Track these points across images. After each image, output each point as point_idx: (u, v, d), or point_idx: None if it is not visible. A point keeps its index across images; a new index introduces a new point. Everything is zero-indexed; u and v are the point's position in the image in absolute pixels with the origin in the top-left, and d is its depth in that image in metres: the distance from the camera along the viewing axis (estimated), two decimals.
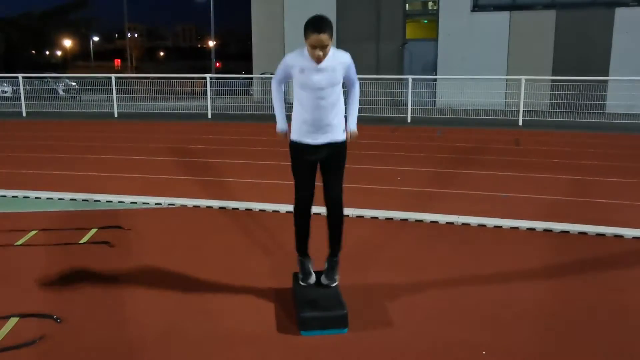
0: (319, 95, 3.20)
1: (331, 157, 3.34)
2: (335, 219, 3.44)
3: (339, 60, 3.24)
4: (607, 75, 17.19)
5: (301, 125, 3.30)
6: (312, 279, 3.46)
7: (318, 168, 3.41)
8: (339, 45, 19.85)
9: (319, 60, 3.14)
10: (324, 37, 3.06)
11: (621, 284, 3.85)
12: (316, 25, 3.07)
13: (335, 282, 3.46)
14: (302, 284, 3.45)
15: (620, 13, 17.83)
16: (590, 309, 3.44)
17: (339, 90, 3.29)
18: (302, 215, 3.42)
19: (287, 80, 3.41)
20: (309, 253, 3.57)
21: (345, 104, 3.42)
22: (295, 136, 3.35)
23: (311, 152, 3.31)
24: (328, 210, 3.43)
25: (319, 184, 3.39)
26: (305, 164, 3.34)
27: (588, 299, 3.59)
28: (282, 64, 3.30)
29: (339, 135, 3.33)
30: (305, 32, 3.11)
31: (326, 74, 3.19)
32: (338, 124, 3.32)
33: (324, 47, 3.10)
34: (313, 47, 3.09)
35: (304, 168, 3.35)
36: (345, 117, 3.42)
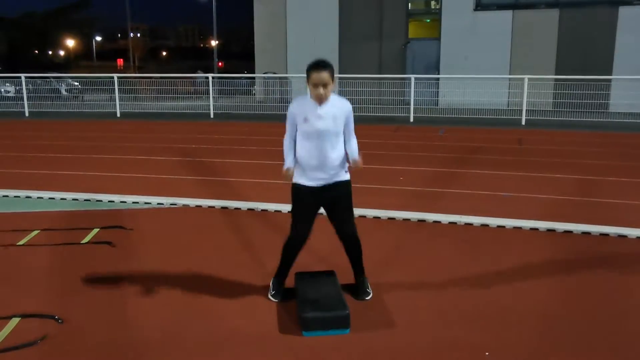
0: (322, 141, 3.30)
1: (337, 197, 3.41)
2: (355, 251, 3.53)
3: (339, 106, 3.34)
4: (611, 74, 17.12)
5: (304, 169, 3.38)
6: (281, 298, 3.52)
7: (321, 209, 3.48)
8: (341, 44, 19.88)
9: (320, 99, 3.24)
10: (324, 74, 3.19)
11: (625, 285, 3.83)
12: (317, 64, 3.23)
13: (370, 294, 3.57)
14: (271, 298, 3.53)
15: (624, 12, 17.77)
16: (594, 310, 3.42)
17: (341, 137, 3.39)
18: (292, 252, 3.47)
19: (295, 134, 3.44)
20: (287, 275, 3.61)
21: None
22: (298, 179, 3.41)
23: (314, 195, 3.38)
24: (345, 245, 3.51)
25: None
26: (306, 206, 3.40)
27: (591, 299, 3.58)
28: (289, 116, 3.38)
29: (342, 176, 3.42)
30: (307, 74, 3.24)
31: (328, 121, 3.29)
32: (340, 166, 3.41)
33: (325, 85, 3.20)
34: (315, 85, 3.21)
35: (305, 210, 3.41)
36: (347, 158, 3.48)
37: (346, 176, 3.45)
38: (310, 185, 3.38)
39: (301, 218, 3.40)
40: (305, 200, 3.39)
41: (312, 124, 3.28)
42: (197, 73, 22.84)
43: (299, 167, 3.41)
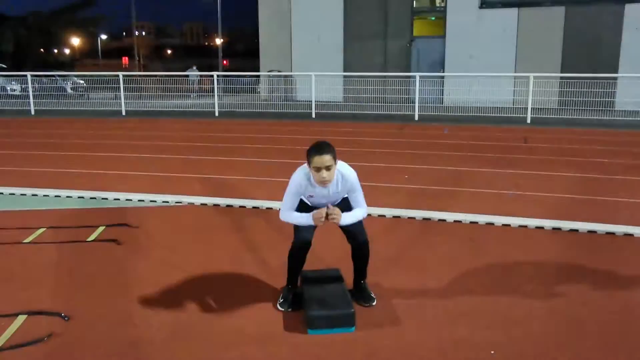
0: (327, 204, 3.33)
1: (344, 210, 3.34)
2: (363, 257, 3.48)
3: (344, 186, 3.29)
4: (617, 72, 17.03)
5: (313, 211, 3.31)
6: (289, 308, 3.40)
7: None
8: (346, 43, 19.85)
9: (324, 183, 3.18)
10: (326, 157, 3.10)
11: (631, 283, 3.81)
12: (317, 147, 3.13)
13: (374, 300, 3.48)
14: (279, 307, 3.41)
15: (630, 9, 17.66)
16: (600, 309, 3.41)
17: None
18: (297, 258, 3.41)
19: (295, 207, 3.35)
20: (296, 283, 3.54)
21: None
22: (303, 190, 3.34)
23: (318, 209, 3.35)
24: (356, 250, 3.45)
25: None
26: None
27: (597, 298, 3.56)
28: (292, 191, 3.29)
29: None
30: (308, 158, 3.16)
31: (332, 198, 3.32)
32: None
33: (327, 168, 3.13)
34: (317, 169, 3.13)
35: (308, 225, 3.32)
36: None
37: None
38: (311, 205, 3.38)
39: (305, 227, 3.34)
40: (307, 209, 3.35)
41: (317, 201, 3.31)
42: (191, 69, 22.50)
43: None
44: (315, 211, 3.24)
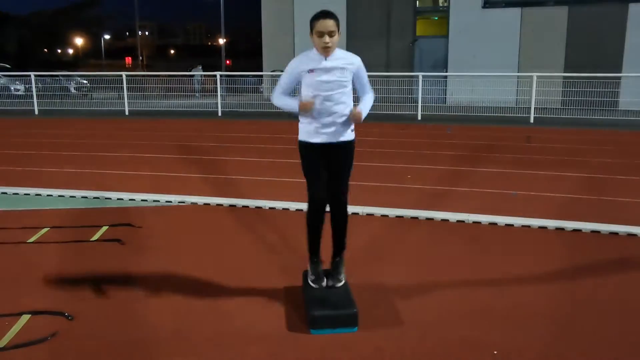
0: (328, 96, 3.18)
1: (338, 156, 3.30)
2: (340, 218, 3.39)
3: (348, 60, 3.22)
4: (620, 72, 17.01)
5: (309, 126, 3.27)
6: (324, 282, 3.39)
7: None
8: (349, 42, 19.83)
9: (326, 49, 3.10)
10: (329, 22, 3.05)
11: (635, 284, 3.81)
12: (321, 12, 3.09)
13: (340, 282, 3.41)
14: (313, 285, 3.38)
15: (634, 9, 17.62)
16: (603, 309, 3.40)
17: (349, 92, 3.27)
18: (316, 214, 3.32)
19: (291, 90, 3.31)
20: (320, 255, 3.49)
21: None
22: (303, 136, 3.33)
23: (320, 151, 3.28)
24: (332, 209, 3.38)
25: None
26: (316, 162, 3.29)
27: (601, 298, 3.56)
28: (289, 71, 3.25)
29: (347, 135, 3.30)
30: (311, 24, 3.10)
31: (335, 74, 3.17)
32: (346, 125, 3.28)
33: (330, 34, 3.06)
34: (320, 34, 3.06)
35: (316, 166, 3.29)
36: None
37: (351, 135, 3.32)
38: (314, 142, 3.26)
39: (314, 176, 3.28)
40: (313, 156, 3.28)
41: (317, 76, 3.15)
42: (196, 69, 22.43)
43: (303, 123, 3.29)
44: (303, 97, 3.16)
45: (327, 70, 3.16)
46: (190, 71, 20.83)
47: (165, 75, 18.27)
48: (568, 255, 4.35)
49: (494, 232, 4.96)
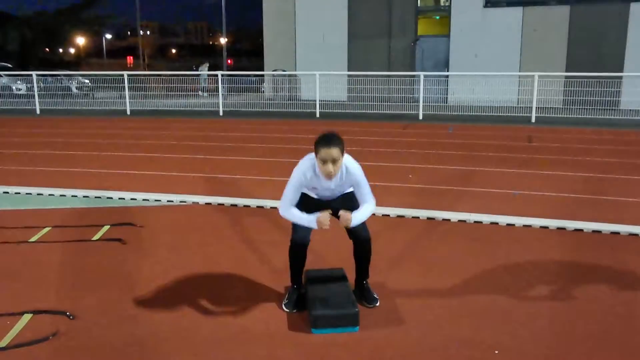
0: (330, 197, 3.37)
1: (346, 205, 3.30)
2: (366, 253, 3.45)
3: (349, 180, 3.26)
4: (622, 71, 16.98)
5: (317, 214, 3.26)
6: (293, 309, 3.37)
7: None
8: (350, 42, 19.83)
9: (329, 176, 3.14)
10: (334, 151, 3.06)
11: (636, 283, 3.80)
12: (326, 140, 3.08)
13: (377, 300, 3.45)
14: (284, 308, 3.38)
15: (635, 8, 17.59)
16: (605, 309, 3.40)
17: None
18: (297, 255, 3.38)
19: (296, 201, 3.29)
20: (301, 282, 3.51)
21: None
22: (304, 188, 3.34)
23: (322, 206, 3.33)
24: (358, 247, 3.42)
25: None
26: (310, 209, 3.30)
27: (602, 298, 3.56)
28: (294, 185, 3.24)
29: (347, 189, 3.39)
30: (316, 148, 3.11)
31: (336, 191, 3.32)
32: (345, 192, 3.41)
33: (334, 162, 3.09)
34: (324, 161, 3.08)
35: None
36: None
37: (349, 188, 3.38)
38: (314, 197, 3.38)
39: (298, 226, 3.31)
40: (308, 204, 3.33)
41: (320, 194, 3.32)
42: (203, 67, 22.38)
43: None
44: (320, 215, 3.18)
45: (329, 189, 3.28)
46: (196, 70, 20.81)
47: (167, 75, 18.28)
48: (569, 255, 4.35)
49: (496, 232, 4.96)
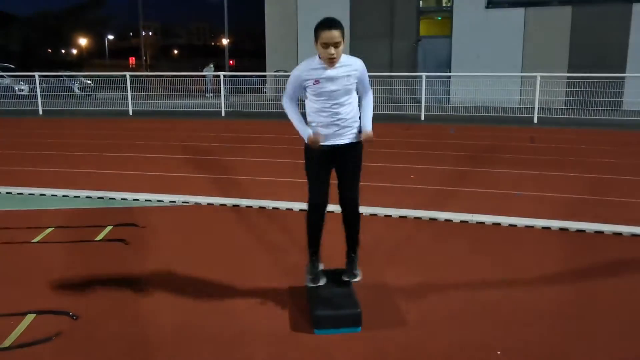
0: (334, 103, 3.19)
1: (347, 158, 3.32)
2: (352, 218, 3.42)
3: (351, 66, 3.21)
4: (624, 72, 16.96)
5: (316, 129, 3.28)
6: (322, 280, 3.41)
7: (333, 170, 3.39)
8: (352, 42, 19.82)
9: (331, 60, 3.09)
10: (335, 32, 3.02)
11: (638, 284, 3.80)
12: (326, 22, 3.06)
13: (356, 277, 3.43)
14: (310, 284, 3.40)
15: (638, 9, 17.56)
16: (607, 310, 3.40)
17: (354, 96, 3.28)
18: (315, 215, 3.36)
19: (298, 95, 3.32)
20: (320, 254, 3.51)
21: (359, 109, 3.38)
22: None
23: (326, 154, 3.29)
24: (344, 211, 3.41)
25: (333, 181, 3.38)
26: (320, 165, 3.31)
27: (604, 299, 3.56)
28: (293, 79, 3.24)
29: (354, 137, 3.31)
30: (315, 34, 3.09)
31: (340, 82, 3.17)
32: (353, 127, 3.30)
33: (336, 45, 3.05)
34: (325, 45, 3.04)
35: (319, 169, 3.31)
36: (360, 120, 3.36)
37: (358, 137, 3.32)
38: (321, 144, 3.28)
39: (316, 180, 3.30)
40: (317, 160, 3.29)
41: (323, 86, 3.15)
42: (208, 68, 22.36)
43: (310, 127, 3.30)
44: (312, 134, 3.18)
45: (332, 79, 3.15)
46: (202, 70, 20.83)
47: (169, 76, 18.29)
48: (572, 256, 4.35)
49: (498, 233, 4.96)
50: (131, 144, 10.10)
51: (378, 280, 3.82)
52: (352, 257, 3.48)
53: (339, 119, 3.23)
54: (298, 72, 3.22)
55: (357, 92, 3.34)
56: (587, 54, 17.93)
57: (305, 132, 3.25)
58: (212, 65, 22.99)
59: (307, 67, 3.18)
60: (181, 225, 5.24)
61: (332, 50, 3.05)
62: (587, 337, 3.07)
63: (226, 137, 11.13)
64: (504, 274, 3.97)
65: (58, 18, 60.61)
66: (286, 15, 20.79)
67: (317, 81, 3.15)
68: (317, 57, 3.17)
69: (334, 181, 3.38)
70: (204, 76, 19.74)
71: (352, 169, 3.34)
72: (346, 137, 3.28)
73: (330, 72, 3.15)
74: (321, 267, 3.48)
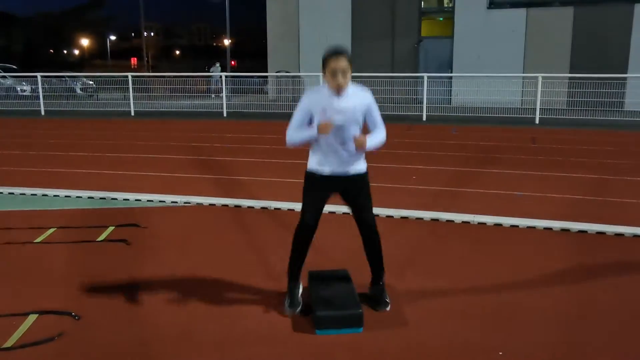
0: (340, 132, 3.18)
1: (356, 191, 3.30)
2: (373, 244, 3.40)
3: (359, 99, 3.20)
4: (626, 73, 16.94)
5: (320, 158, 3.26)
6: (299, 308, 3.34)
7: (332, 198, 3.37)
8: (354, 43, 19.85)
9: (339, 88, 3.09)
10: (343, 61, 3.04)
11: None
12: (334, 50, 3.09)
13: (388, 305, 3.40)
14: (286, 311, 3.32)
15: None
16: (608, 311, 3.40)
17: (359, 126, 3.26)
18: (301, 243, 3.33)
19: (303, 125, 3.26)
20: (300, 277, 3.47)
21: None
22: (312, 165, 3.31)
23: (329, 183, 3.28)
24: (364, 236, 3.38)
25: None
26: (318, 193, 3.30)
27: (606, 300, 3.55)
28: (302, 107, 3.22)
29: (359, 168, 3.31)
30: (323, 62, 3.10)
31: (347, 114, 3.16)
32: (357, 156, 3.29)
33: (344, 73, 3.06)
34: (333, 73, 3.06)
35: (316, 197, 3.30)
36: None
37: (363, 167, 3.33)
38: (324, 174, 3.26)
39: (311, 206, 3.28)
40: (317, 188, 3.28)
41: (330, 116, 3.14)
42: (214, 68, 22.31)
43: (314, 155, 3.29)
44: (322, 121, 3.10)
45: (340, 110, 3.15)
46: (208, 70, 20.82)
47: (171, 76, 18.31)
48: (574, 257, 4.34)
49: (499, 233, 4.96)
50: (133, 145, 10.11)
51: None
52: (381, 286, 3.47)
53: (343, 152, 3.23)
54: (307, 100, 3.22)
55: (367, 127, 3.31)
56: (588, 55, 17.91)
57: (313, 130, 3.17)
58: (218, 65, 22.99)
59: (316, 95, 3.20)
60: (183, 225, 5.24)
61: (340, 78, 3.06)
62: (589, 337, 3.07)
63: (228, 138, 11.14)
64: (505, 275, 3.96)
65: (60, 19, 60.73)
66: (288, 16, 20.80)
67: (324, 111, 3.15)
68: (325, 87, 3.18)
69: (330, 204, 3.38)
70: (210, 76, 19.74)
71: (363, 195, 3.32)
72: (351, 169, 3.28)
73: (339, 103, 3.15)
74: (300, 292, 3.44)
